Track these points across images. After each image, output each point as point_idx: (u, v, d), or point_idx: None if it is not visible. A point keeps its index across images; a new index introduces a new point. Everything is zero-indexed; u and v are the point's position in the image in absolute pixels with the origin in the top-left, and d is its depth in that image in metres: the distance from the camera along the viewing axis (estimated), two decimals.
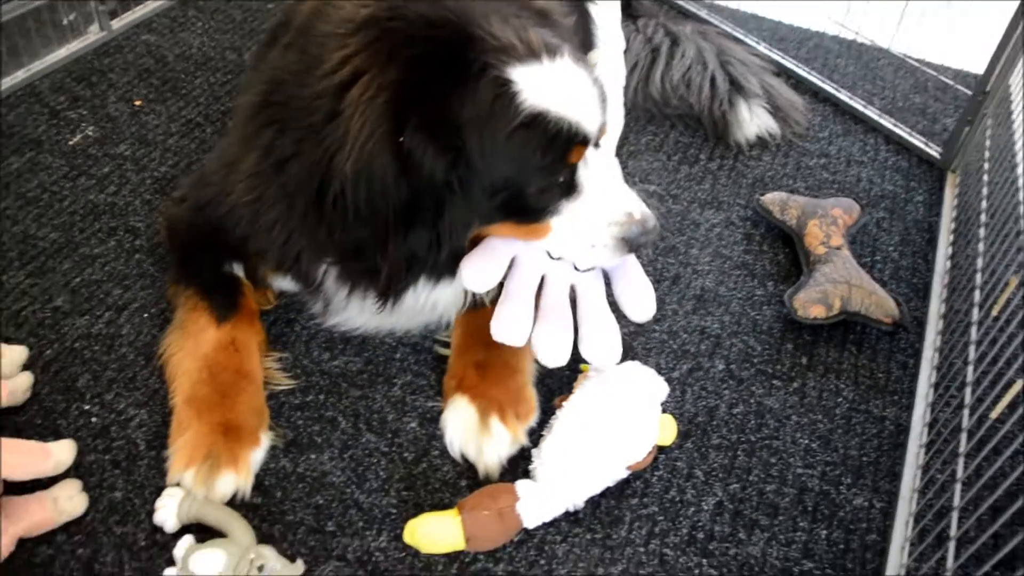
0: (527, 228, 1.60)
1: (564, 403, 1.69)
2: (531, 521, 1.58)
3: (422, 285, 1.66)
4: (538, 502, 1.58)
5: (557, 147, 1.50)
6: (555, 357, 1.64)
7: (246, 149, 1.69)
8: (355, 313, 1.84)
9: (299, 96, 1.55)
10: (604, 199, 1.59)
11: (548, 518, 1.60)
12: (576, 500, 1.62)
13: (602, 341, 1.67)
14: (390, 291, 1.62)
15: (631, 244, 1.60)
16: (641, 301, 1.74)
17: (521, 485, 1.59)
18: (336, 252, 1.63)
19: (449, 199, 1.51)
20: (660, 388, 1.76)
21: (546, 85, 1.47)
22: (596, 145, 1.60)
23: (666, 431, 1.74)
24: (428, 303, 1.74)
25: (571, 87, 1.51)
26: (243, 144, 1.70)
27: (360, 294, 1.69)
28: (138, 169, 2.36)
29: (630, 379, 1.73)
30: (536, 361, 1.80)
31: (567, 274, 1.69)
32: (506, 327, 1.64)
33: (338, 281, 1.71)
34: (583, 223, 1.59)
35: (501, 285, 1.69)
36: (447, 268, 1.64)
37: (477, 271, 1.64)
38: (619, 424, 1.64)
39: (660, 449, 1.76)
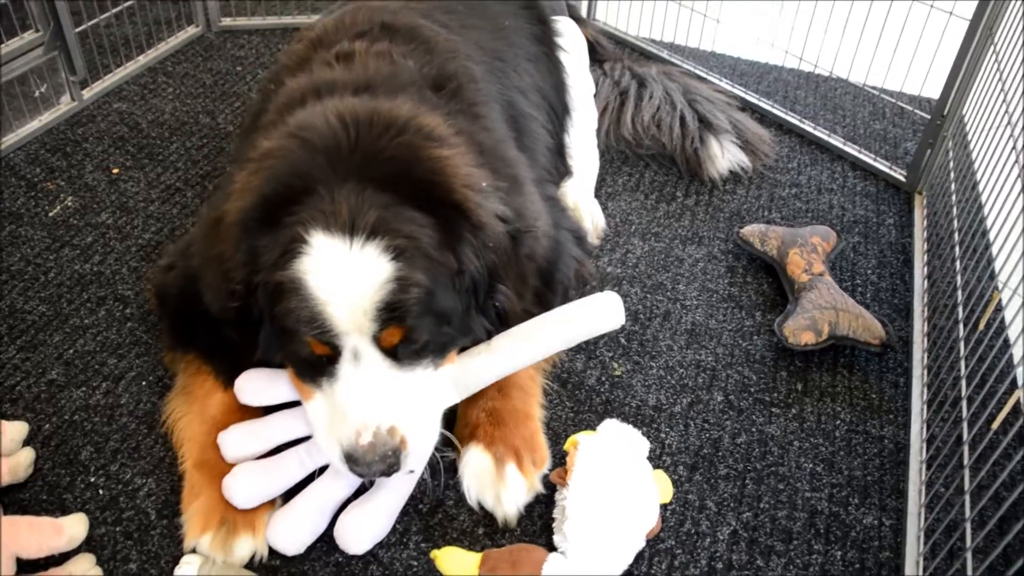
0: (297, 382, 1.64)
1: (568, 479, 1.65)
2: None
3: None
4: None
5: (305, 323, 1.49)
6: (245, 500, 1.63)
7: None
8: None
9: None
10: (343, 404, 1.52)
11: None
12: None
13: (282, 530, 1.61)
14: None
15: (357, 466, 1.51)
16: (351, 533, 1.61)
17: (550, 564, 1.56)
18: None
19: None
20: (643, 444, 1.76)
21: (324, 262, 1.48)
22: (390, 351, 1.53)
23: (664, 488, 1.75)
24: None
25: (340, 278, 1.47)
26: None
27: None
28: (121, 237, 2.35)
29: (622, 443, 1.72)
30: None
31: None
32: (237, 448, 1.68)
33: None
34: (327, 415, 1.56)
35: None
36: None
37: (251, 384, 1.73)
38: (632, 495, 1.64)
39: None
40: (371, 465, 1.50)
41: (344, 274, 1.47)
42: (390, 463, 1.50)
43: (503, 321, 1.73)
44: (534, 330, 1.72)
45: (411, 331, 1.51)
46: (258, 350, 1.67)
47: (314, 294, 1.48)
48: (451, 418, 1.84)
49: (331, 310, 1.47)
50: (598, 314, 1.73)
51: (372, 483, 1.67)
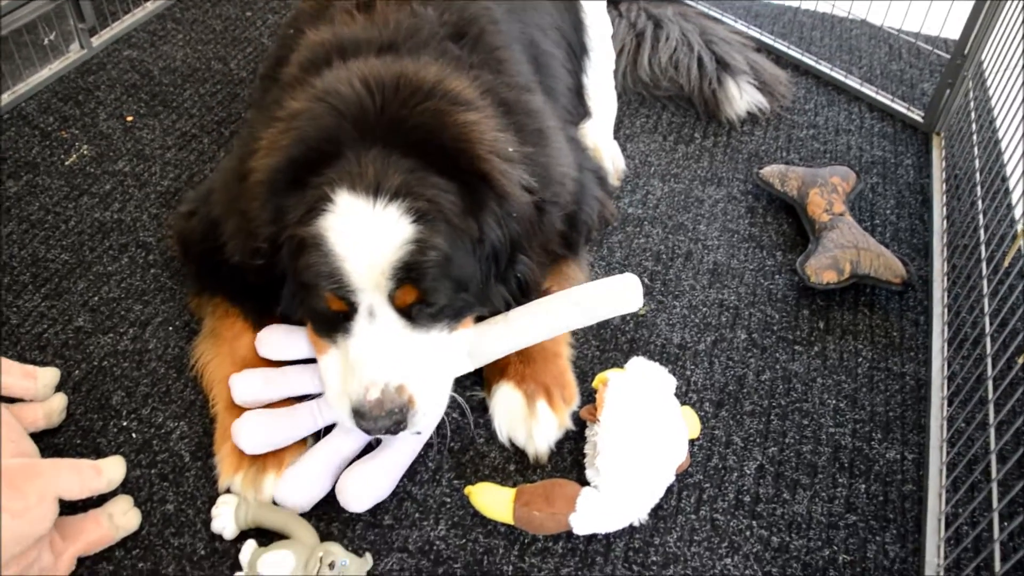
0: (314, 336, 1.65)
1: (598, 416, 1.67)
2: (581, 531, 1.59)
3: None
4: (596, 518, 1.58)
5: (324, 278, 1.51)
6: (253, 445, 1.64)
7: None
8: None
9: None
10: (355, 359, 1.53)
11: (601, 531, 1.61)
12: (641, 514, 1.63)
13: (291, 485, 1.62)
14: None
15: (363, 422, 1.52)
16: (351, 490, 1.61)
17: (584, 498, 1.58)
18: None
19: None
20: (671, 381, 1.78)
21: (347, 220, 1.50)
22: (405, 312, 1.54)
23: (692, 424, 1.77)
24: None
25: (360, 236, 1.49)
26: None
27: None
28: (140, 184, 2.35)
29: (651, 380, 1.73)
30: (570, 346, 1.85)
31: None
32: (247, 392, 1.70)
33: None
34: (339, 370, 1.58)
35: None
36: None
37: (270, 338, 1.75)
38: (662, 430, 1.66)
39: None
40: (377, 421, 1.51)
41: (364, 232, 1.49)
42: (396, 420, 1.52)
43: (524, 292, 1.74)
44: (552, 307, 1.72)
45: (426, 293, 1.53)
46: (280, 304, 1.70)
47: (334, 250, 1.50)
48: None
49: (349, 266, 1.50)
50: (617, 296, 1.72)
51: (379, 442, 1.68)
